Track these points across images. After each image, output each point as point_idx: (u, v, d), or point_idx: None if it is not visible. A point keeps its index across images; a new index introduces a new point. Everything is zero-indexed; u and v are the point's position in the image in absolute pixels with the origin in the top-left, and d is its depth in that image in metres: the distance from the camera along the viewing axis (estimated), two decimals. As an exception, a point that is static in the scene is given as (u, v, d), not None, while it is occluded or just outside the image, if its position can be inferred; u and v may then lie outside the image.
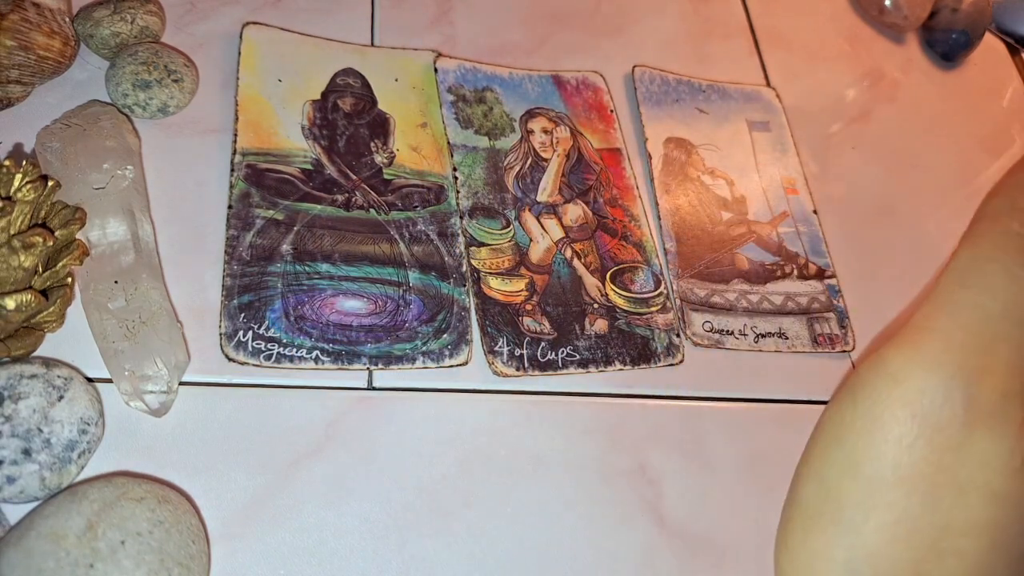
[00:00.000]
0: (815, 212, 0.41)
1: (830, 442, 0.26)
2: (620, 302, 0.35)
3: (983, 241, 0.25)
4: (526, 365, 0.33)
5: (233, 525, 0.27)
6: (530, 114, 0.39)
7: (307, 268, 0.32)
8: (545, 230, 0.36)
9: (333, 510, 0.28)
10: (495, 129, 0.38)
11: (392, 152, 0.36)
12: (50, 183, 0.27)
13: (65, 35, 0.32)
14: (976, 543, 0.24)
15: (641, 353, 0.34)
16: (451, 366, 0.32)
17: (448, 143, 0.37)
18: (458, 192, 0.36)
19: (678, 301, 0.36)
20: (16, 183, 0.27)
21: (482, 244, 0.35)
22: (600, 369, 0.33)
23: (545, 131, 0.39)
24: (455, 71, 0.39)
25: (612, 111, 0.41)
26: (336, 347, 0.31)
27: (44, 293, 0.26)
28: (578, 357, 0.33)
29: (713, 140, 0.42)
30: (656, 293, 0.36)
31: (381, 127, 0.37)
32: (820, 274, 0.39)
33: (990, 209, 0.26)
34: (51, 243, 0.26)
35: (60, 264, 0.27)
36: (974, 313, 0.24)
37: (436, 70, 0.39)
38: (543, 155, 0.38)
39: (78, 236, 0.28)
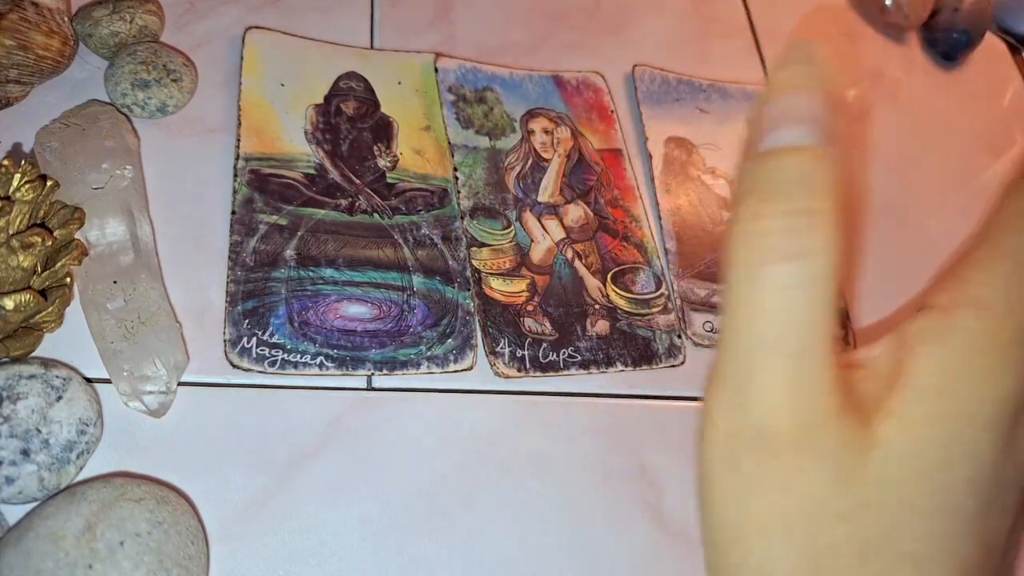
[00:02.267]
0: (816, 212, 0.41)
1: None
2: (621, 303, 0.35)
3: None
4: (527, 366, 0.32)
5: (232, 526, 0.27)
6: (531, 114, 0.39)
7: (311, 273, 0.32)
8: (546, 231, 0.36)
9: (332, 511, 0.28)
10: (496, 129, 0.38)
11: (395, 156, 0.36)
12: (49, 183, 0.27)
13: (64, 34, 0.32)
14: None
15: (643, 354, 0.34)
16: (456, 371, 0.32)
17: (449, 143, 0.37)
18: (459, 192, 0.36)
19: (679, 301, 0.36)
20: (15, 183, 0.27)
21: (483, 244, 0.35)
22: (601, 370, 0.33)
23: (546, 131, 0.39)
24: (455, 71, 0.39)
25: (612, 111, 0.41)
26: (340, 352, 0.31)
27: (43, 293, 0.26)
28: (579, 358, 0.33)
29: (714, 139, 0.42)
30: (657, 294, 0.36)
31: (384, 131, 0.36)
32: (821, 274, 0.39)
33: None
34: (50, 243, 0.26)
35: (59, 264, 0.27)
36: None
37: (436, 70, 0.39)
38: (544, 155, 0.38)
39: (77, 236, 0.28)
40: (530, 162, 0.38)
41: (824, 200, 0.16)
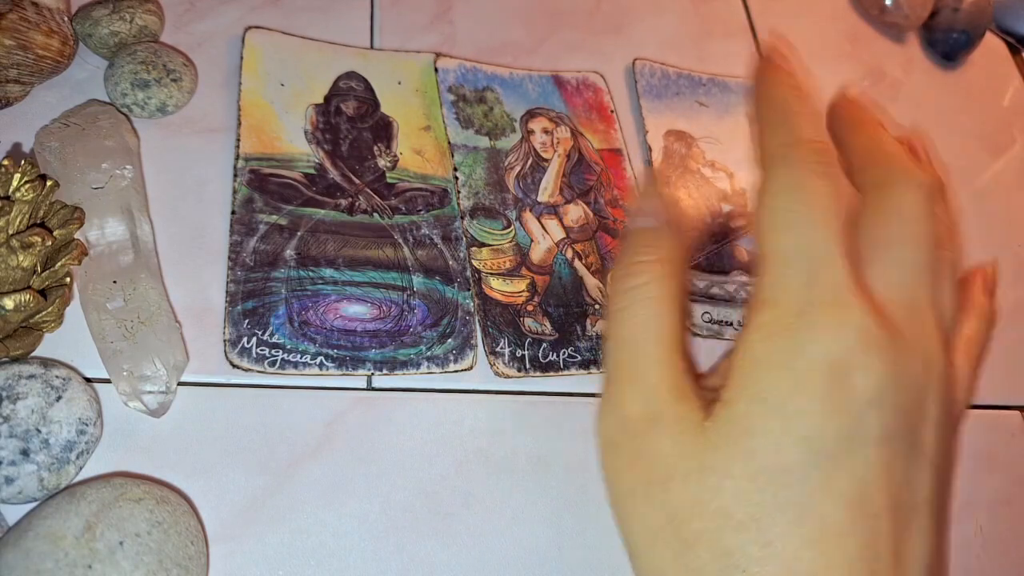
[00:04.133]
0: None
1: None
2: (621, 302, 0.35)
3: None
4: (527, 366, 0.32)
5: (232, 526, 0.27)
6: (530, 114, 0.39)
7: (311, 273, 0.32)
8: (546, 230, 0.36)
9: (332, 511, 0.28)
10: (495, 129, 0.38)
11: (395, 156, 0.36)
12: (48, 183, 0.27)
13: (64, 34, 0.32)
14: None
15: (642, 353, 0.34)
16: (456, 371, 0.32)
17: (449, 143, 0.37)
18: (459, 192, 0.36)
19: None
20: (15, 183, 0.27)
21: (483, 244, 0.35)
22: (601, 370, 0.33)
23: (545, 131, 0.39)
24: (455, 71, 0.39)
25: (612, 111, 0.41)
26: (340, 352, 0.30)
27: (43, 293, 0.26)
28: (579, 358, 0.33)
29: (713, 133, 0.42)
30: (657, 293, 0.36)
31: (384, 131, 0.36)
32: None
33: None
34: (50, 243, 0.26)
35: (59, 264, 0.27)
36: None
37: (436, 70, 0.39)
38: (544, 155, 0.38)
39: (77, 236, 0.28)
40: (530, 162, 0.38)
41: (657, 253, 0.26)
